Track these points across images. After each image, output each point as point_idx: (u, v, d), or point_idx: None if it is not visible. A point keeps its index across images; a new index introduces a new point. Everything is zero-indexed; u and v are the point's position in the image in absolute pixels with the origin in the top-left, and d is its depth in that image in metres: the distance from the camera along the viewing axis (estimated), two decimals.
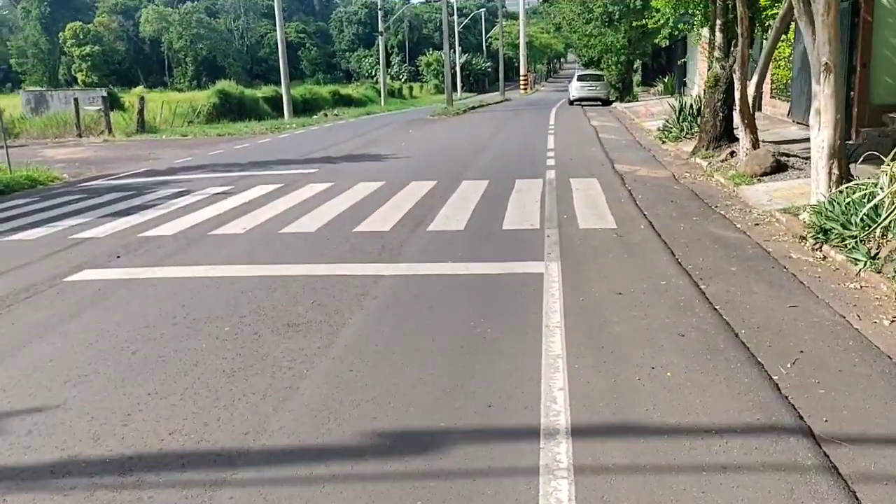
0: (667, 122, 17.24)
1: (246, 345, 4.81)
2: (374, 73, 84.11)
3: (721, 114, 12.92)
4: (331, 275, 6.49)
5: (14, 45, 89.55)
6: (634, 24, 20.38)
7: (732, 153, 12.19)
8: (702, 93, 16.29)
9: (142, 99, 29.76)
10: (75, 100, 28.80)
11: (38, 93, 37.30)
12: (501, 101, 43.91)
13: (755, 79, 11.30)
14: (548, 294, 5.76)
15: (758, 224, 8.23)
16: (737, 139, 13.21)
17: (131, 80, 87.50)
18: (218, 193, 11.44)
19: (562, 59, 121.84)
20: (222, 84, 37.25)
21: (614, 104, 31.71)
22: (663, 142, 16.59)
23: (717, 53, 12.91)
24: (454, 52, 74.89)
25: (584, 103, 33.38)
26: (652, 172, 12.34)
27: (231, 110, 35.03)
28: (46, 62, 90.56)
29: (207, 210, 9.94)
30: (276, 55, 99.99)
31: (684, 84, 30.60)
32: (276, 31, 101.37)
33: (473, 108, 33.90)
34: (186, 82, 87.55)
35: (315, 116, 39.70)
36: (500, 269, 6.54)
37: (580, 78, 33.82)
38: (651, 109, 24.71)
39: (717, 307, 5.41)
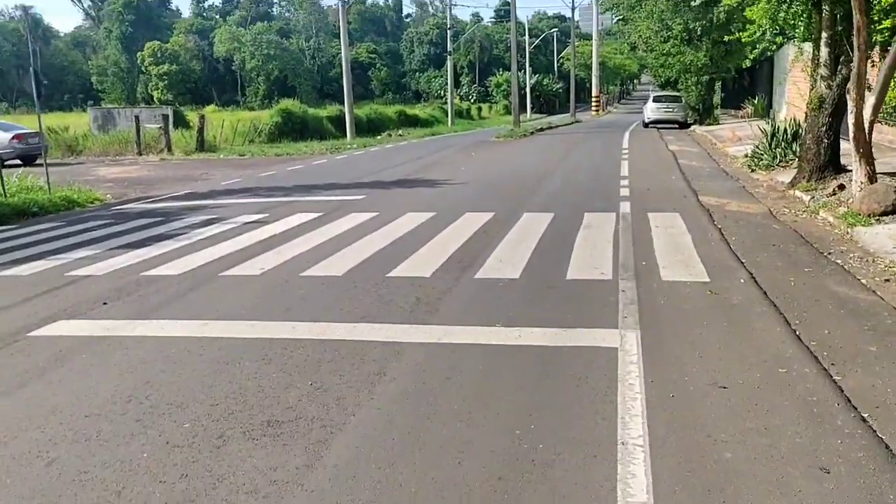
0: (756, 148, 15.44)
1: (200, 458, 3.48)
2: (443, 94, 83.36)
3: (826, 140, 11.15)
4: (345, 339, 5.14)
5: (95, 64, 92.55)
6: (726, 38, 18.54)
7: (841, 186, 10.41)
8: (792, 117, 14.53)
9: (202, 117, 29.37)
10: (136, 117, 28.58)
11: (105, 110, 37.61)
12: (572, 123, 42.30)
13: (872, 101, 9.56)
14: (624, 383, 4.27)
15: (888, 280, 6.53)
16: (845, 170, 11.42)
17: (206, 99, 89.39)
18: (250, 223, 10.30)
19: (635, 81, 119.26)
20: (285, 103, 36.80)
21: (693, 127, 29.76)
22: (752, 170, 14.80)
23: (821, 71, 11.17)
24: (524, 72, 73.70)
25: (659, 126, 31.53)
26: (744, 206, 10.65)
27: (294, 129, 34.46)
28: (125, 80, 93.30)
29: (230, 243, 8.77)
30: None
31: (770, 107, 28.43)
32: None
33: (541, 129, 32.43)
34: (258, 101, 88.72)
35: (379, 137, 38.92)
36: (560, 338, 5.07)
37: (656, 99, 31.99)
38: (737, 133, 22.77)
39: (864, 415, 3.83)
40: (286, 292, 6.48)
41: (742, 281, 6.50)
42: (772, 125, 15.37)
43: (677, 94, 32.38)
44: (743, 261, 7.26)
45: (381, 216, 10.36)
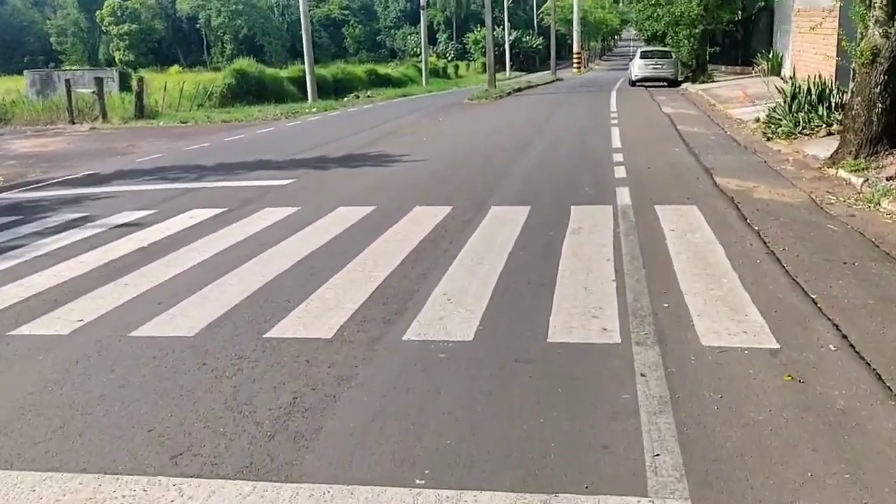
0: (773, 111, 12.89)
1: None
2: (419, 52, 79.74)
3: (880, 104, 8.64)
4: None
5: (55, 24, 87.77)
6: None
7: None
8: (807, 75, 12.06)
9: (140, 80, 26.34)
10: (67, 81, 25.49)
11: (44, 73, 34.20)
12: (552, 82, 39.45)
13: None
14: None
15: None
16: None
17: (171, 60, 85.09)
18: (123, 225, 7.66)
19: (617, 37, 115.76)
20: (240, 63, 33.72)
21: (684, 86, 27.12)
22: (769, 139, 12.29)
23: (875, 13, 8.62)
24: (502, 28, 70.29)
25: (647, 85, 28.85)
26: (777, 193, 8.16)
27: (249, 92, 31.44)
28: (86, 41, 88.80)
29: (70, 264, 6.15)
30: (321, 33, 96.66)
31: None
32: (319, 7, 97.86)
33: (519, 89, 29.61)
34: (224, 61, 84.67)
35: (346, 98, 35.98)
36: None
37: (644, 55, 29.25)
38: (748, 93, 20.20)
39: None
40: (85, 382, 3.92)
41: (832, 347, 4.02)
42: (792, 84, 12.80)
43: (667, 49, 29.65)
44: (814, 297, 4.78)
45: (301, 214, 7.77)
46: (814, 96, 12.24)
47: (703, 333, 4.21)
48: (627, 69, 49.26)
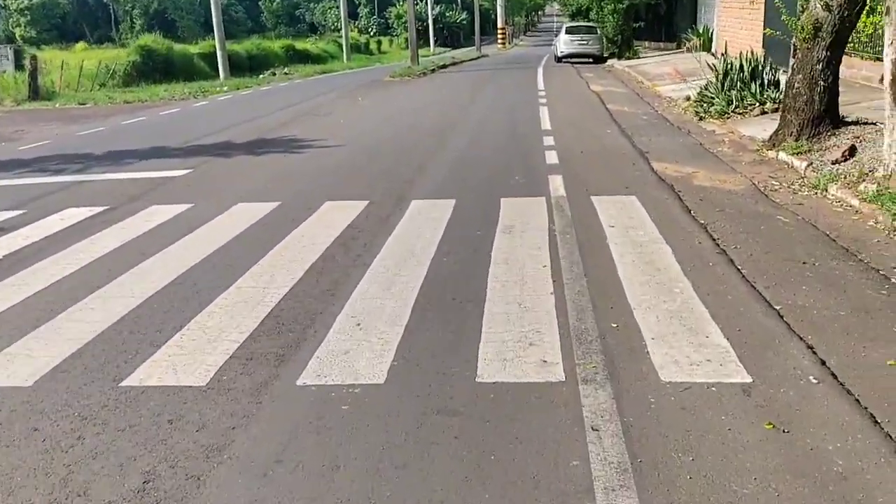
0: (704, 89, 12.42)
1: None
2: (340, 27, 77.78)
3: (822, 82, 8.15)
4: None
5: None
6: None
7: (853, 150, 7.47)
8: (739, 51, 11.69)
9: (34, 58, 24.29)
10: None
11: None
12: (477, 58, 38.66)
13: (889, 34, 6.56)
14: None
15: None
16: (844, 123, 8.50)
17: (78, 36, 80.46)
18: None
19: (541, 12, 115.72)
20: (146, 39, 31.77)
21: (610, 62, 26.74)
22: (700, 118, 11.81)
23: None
24: (425, 3, 68.97)
25: (573, 61, 28.38)
26: (718, 180, 7.59)
27: (156, 69, 29.57)
28: None
29: None
30: (237, 6, 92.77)
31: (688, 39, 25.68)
32: None
33: (444, 66, 28.70)
34: (133, 37, 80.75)
35: (262, 76, 34.40)
36: None
37: (570, 31, 28.73)
38: (664, 69, 19.84)
39: None
40: None
41: (813, 379, 3.37)
42: (724, 60, 12.32)
43: (592, 24, 29.20)
44: (778, 309, 4.17)
45: (193, 212, 6.77)
46: (746, 73, 11.80)
47: (660, 365, 3.50)
48: (552, 45, 48.97)
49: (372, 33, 77.72)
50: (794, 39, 9.00)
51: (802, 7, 8.41)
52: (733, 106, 11.47)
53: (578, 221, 6.05)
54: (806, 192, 6.98)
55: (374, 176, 8.13)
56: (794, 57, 9.06)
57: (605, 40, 28.61)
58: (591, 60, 28.42)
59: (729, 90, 11.79)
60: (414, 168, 8.46)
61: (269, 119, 14.19)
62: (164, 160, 9.86)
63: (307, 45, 50.85)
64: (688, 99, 13.61)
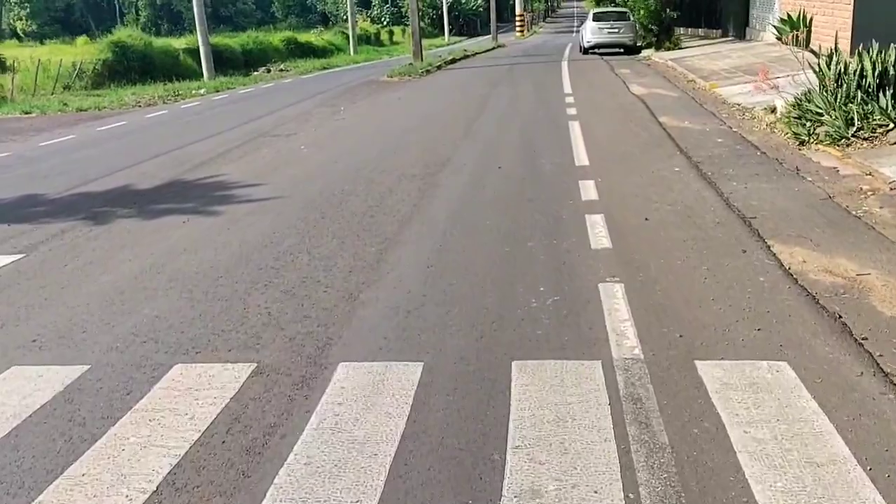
0: (805, 100, 8.83)
1: None
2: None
3: None
4: None
5: None
6: None
7: None
8: (828, 46, 8.16)
9: None
10: None
11: None
12: (493, 49, 35.05)
13: None
14: None
15: None
16: None
17: (83, 30, 77.66)
18: None
19: None
20: (119, 34, 28.56)
21: (646, 53, 23.03)
22: (802, 142, 8.23)
23: None
24: None
25: (602, 52, 24.69)
26: None
27: (131, 69, 26.32)
28: None
29: None
30: None
31: (746, 25, 21.91)
32: None
33: (453, 60, 25.05)
34: (139, 30, 77.94)
35: (255, 73, 31.11)
36: None
37: (598, 17, 25.00)
38: (721, 64, 16.17)
39: None
40: None
41: None
42: (837, 60, 8.67)
43: (623, 10, 25.46)
44: None
45: None
46: (871, 79, 8.19)
47: None
48: (575, 33, 45.09)
49: (385, 23, 74.07)
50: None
51: None
52: (855, 127, 7.87)
53: (678, 440, 2.57)
54: None
55: (289, 286, 4.67)
56: None
57: (637, 28, 24.87)
58: (622, 51, 24.74)
59: (845, 103, 8.19)
60: (363, 269, 4.97)
61: (210, 143, 10.75)
62: (3, 228, 6.47)
63: (311, 37, 47.42)
64: (772, 111, 10.01)
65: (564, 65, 21.35)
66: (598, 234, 5.39)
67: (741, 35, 21.92)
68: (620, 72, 17.86)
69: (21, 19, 75.86)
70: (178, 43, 32.90)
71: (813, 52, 9.25)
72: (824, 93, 8.50)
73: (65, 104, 19.44)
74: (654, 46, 23.15)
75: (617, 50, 24.80)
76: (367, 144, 9.93)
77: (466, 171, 7.87)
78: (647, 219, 5.73)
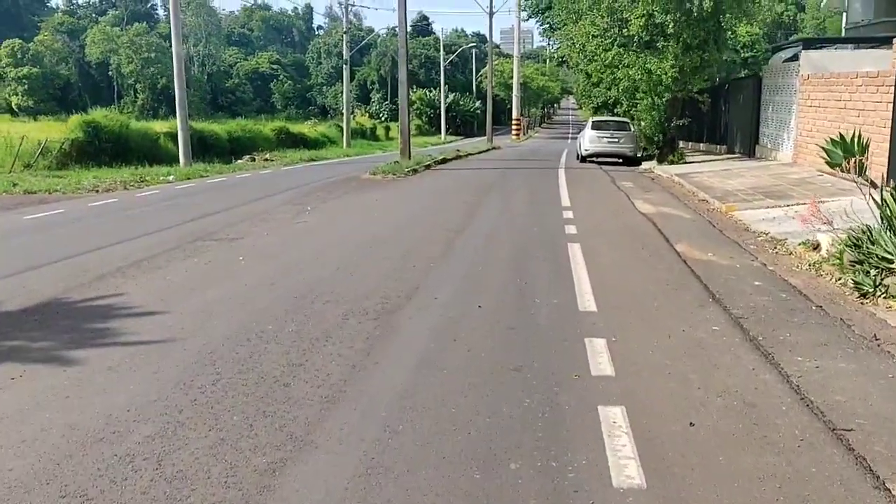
0: (865, 236, 7.08)
1: None
2: (352, 110, 74.30)
3: None
4: None
5: None
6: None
7: None
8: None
9: None
10: None
11: None
12: (487, 150, 33.97)
13: None
14: None
15: None
16: None
17: (79, 108, 77.41)
18: None
19: (556, 105, 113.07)
20: (94, 114, 27.30)
21: (648, 166, 21.70)
22: (864, 293, 6.41)
23: None
24: (438, 90, 65.43)
25: (601, 161, 23.39)
26: None
27: (103, 150, 24.79)
28: None
29: None
30: (245, 86, 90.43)
31: (755, 141, 20.67)
32: (247, 60, 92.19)
33: (444, 160, 23.65)
34: (136, 112, 77.83)
35: (239, 162, 29.69)
36: None
37: (597, 126, 23.78)
38: (734, 184, 14.64)
39: None
40: None
41: None
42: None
43: (624, 119, 24.32)
44: None
45: None
46: None
47: None
48: (570, 139, 44.44)
49: (383, 118, 74.16)
50: None
51: None
52: None
53: None
54: None
55: None
56: None
57: (638, 139, 23.68)
58: (620, 161, 23.46)
59: None
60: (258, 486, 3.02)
61: (134, 246, 8.86)
62: None
63: (304, 128, 46.60)
64: (814, 248, 8.28)
65: (561, 172, 19.89)
66: (621, 452, 3.44)
67: (749, 153, 20.65)
68: (622, 184, 16.32)
69: (17, 94, 75.55)
70: (161, 126, 31.57)
71: (872, 182, 7.59)
72: (893, 234, 6.75)
73: (14, 185, 17.70)
74: (657, 159, 21.83)
75: (616, 160, 23.53)
76: (322, 258, 8.06)
77: (436, 309, 5.97)
78: (692, 424, 3.80)
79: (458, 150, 29.30)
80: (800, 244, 8.65)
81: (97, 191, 17.12)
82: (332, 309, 5.88)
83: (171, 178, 19.88)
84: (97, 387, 4.24)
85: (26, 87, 75.47)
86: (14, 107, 74.82)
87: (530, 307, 6.02)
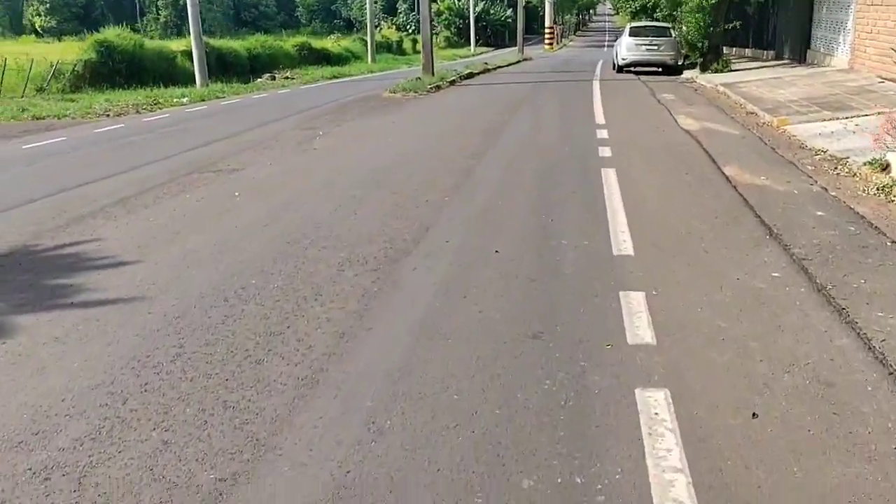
0: None
1: None
2: (379, 23, 71.76)
3: None
4: None
5: None
6: None
7: None
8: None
9: None
10: None
11: None
12: (517, 62, 32.42)
13: None
14: None
15: None
16: None
17: (103, 26, 76.21)
18: None
19: (591, 11, 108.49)
20: (106, 33, 26.15)
21: (689, 75, 20.26)
22: None
23: None
24: None
25: (639, 71, 21.95)
26: None
27: (117, 71, 23.96)
28: (10, 6, 79.83)
29: None
30: (267, 0, 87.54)
31: (807, 47, 19.06)
32: None
33: (470, 74, 22.38)
34: (159, 29, 76.48)
35: (259, 80, 28.65)
36: None
37: (635, 32, 22.23)
38: (780, 93, 13.38)
39: None
40: None
41: None
42: None
43: (665, 25, 22.68)
44: None
45: None
46: None
47: None
48: (606, 48, 42.32)
49: (410, 30, 71.71)
50: None
51: None
52: None
53: None
54: None
55: None
56: None
57: (679, 46, 22.10)
58: (660, 70, 22.01)
59: None
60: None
61: (123, 180, 8.14)
62: None
63: (327, 43, 44.96)
64: (884, 168, 7.26)
65: (596, 85, 18.61)
66: (666, 461, 2.68)
67: (800, 59, 19.08)
68: (663, 97, 15.10)
69: (40, 15, 74.37)
70: (178, 45, 30.49)
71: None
72: None
73: (23, 110, 17.05)
74: (700, 67, 20.34)
75: (655, 69, 22.07)
76: (326, 192, 7.27)
77: (446, 256, 5.18)
78: (755, 415, 3.01)
79: (485, 63, 27.86)
80: (865, 164, 7.62)
81: (108, 115, 16.43)
82: (328, 257, 5.12)
83: (185, 100, 19.07)
84: (35, 365, 3.57)
85: (48, 6, 74.21)
86: (38, 28, 73.84)
87: (556, 251, 5.20)
